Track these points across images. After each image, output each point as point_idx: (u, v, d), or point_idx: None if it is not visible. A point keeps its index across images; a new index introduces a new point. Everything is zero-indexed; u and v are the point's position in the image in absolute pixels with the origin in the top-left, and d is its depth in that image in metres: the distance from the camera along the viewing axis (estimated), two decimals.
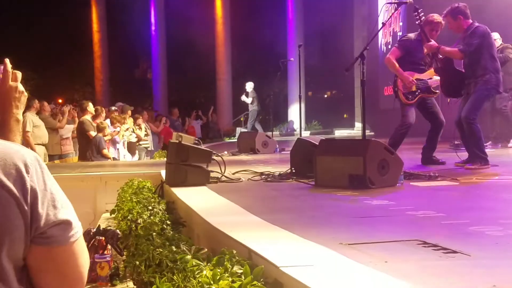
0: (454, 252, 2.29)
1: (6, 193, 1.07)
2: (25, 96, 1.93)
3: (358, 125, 20.63)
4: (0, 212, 1.06)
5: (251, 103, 14.94)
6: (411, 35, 6.63)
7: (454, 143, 8.48)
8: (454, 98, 6.42)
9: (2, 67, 1.86)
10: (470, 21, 6.10)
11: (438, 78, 6.41)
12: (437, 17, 6.43)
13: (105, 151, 9.88)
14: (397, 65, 6.45)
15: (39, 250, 1.10)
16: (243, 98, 15.17)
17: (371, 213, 3.52)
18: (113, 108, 13.18)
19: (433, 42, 6.19)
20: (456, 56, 6.10)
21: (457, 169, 5.95)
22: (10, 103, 1.86)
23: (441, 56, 6.22)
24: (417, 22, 6.26)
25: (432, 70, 6.47)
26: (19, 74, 1.90)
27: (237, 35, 23.15)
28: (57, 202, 1.13)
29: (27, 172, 1.10)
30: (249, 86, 15.23)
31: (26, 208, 1.08)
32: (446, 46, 6.20)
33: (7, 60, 1.89)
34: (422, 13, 6.29)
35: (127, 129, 11.49)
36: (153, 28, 24.60)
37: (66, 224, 1.13)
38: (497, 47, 7.71)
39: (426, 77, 6.50)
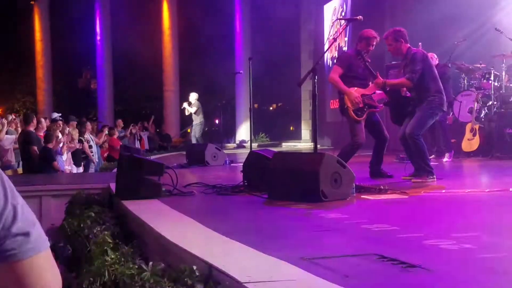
0: (414, 266, 2.32)
1: None
2: None
3: (305, 136, 20.88)
4: None
5: (195, 113, 14.77)
6: (349, 51, 6.75)
7: (400, 156, 8.71)
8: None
9: None
10: (408, 45, 6.30)
11: (381, 91, 6.53)
12: (373, 33, 6.60)
13: (55, 163, 9.63)
14: (341, 83, 6.49)
15: None
16: (185, 106, 14.96)
17: (326, 227, 3.54)
18: (54, 117, 12.86)
19: (379, 78, 6.30)
20: (405, 85, 6.25)
21: (405, 182, 6.09)
22: None
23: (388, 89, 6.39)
24: (366, 62, 6.36)
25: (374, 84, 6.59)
26: None
27: (184, 47, 23.04)
28: (16, 214, 1.07)
29: None
30: (193, 96, 15.05)
31: None
32: (390, 79, 6.38)
33: None
34: (366, 54, 6.46)
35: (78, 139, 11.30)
36: (98, 37, 24.18)
37: (23, 236, 1.06)
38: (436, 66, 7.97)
39: (371, 92, 6.57)
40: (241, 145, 19.74)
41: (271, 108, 30.86)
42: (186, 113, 15.10)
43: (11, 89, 26.44)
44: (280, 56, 22.42)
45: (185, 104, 15.01)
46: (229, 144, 20.38)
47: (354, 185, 4.88)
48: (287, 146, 19.93)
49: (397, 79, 6.34)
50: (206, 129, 17.24)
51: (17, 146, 10.80)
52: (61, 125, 11.71)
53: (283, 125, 25.36)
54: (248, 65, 10.96)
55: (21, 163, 10.55)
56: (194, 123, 14.91)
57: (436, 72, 6.42)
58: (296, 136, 22.29)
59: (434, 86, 6.19)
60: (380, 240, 3.06)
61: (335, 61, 6.80)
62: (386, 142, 6.68)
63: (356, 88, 6.53)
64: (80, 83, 33.89)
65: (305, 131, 21.20)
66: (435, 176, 6.07)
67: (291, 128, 25.64)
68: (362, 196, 4.91)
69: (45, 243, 1.10)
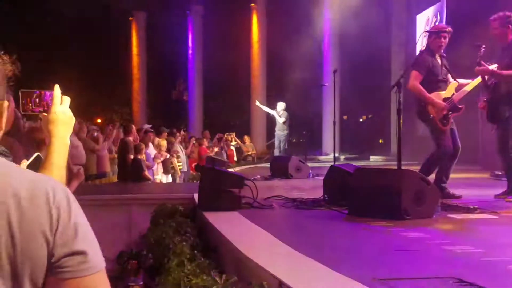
0: None
1: (32, 222, 1.07)
2: (73, 120, 1.97)
3: (395, 151, 20.36)
4: (26, 241, 1.06)
5: (283, 123, 14.79)
6: (424, 54, 6.13)
7: (494, 173, 8.28)
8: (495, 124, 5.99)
9: (51, 92, 1.91)
10: None
11: (460, 91, 6.15)
12: (442, 25, 6.29)
13: (145, 174, 10.01)
14: (424, 91, 6.00)
15: (53, 281, 1.08)
16: (270, 111, 15.06)
17: (406, 246, 3.43)
18: (145, 128, 13.38)
19: (485, 66, 5.81)
20: None
21: (497, 201, 5.78)
22: (58, 128, 1.90)
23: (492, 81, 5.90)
24: (479, 57, 5.96)
25: (452, 83, 6.13)
26: (67, 99, 1.95)
27: (273, 59, 23.28)
28: (78, 233, 1.11)
29: (54, 202, 1.10)
30: (281, 106, 15.01)
31: (50, 238, 1.08)
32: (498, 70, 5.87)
33: (57, 86, 1.93)
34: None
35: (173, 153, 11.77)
36: (190, 51, 25.02)
37: (81, 255, 1.09)
38: None
39: (450, 94, 6.10)
40: (325, 157, 19.61)
41: (361, 120, 30.46)
42: (261, 107, 15.18)
43: (109, 102, 27.86)
44: (370, 67, 22.09)
45: (268, 110, 15.23)
46: (315, 157, 20.29)
47: (439, 203, 4.70)
48: (375, 160, 19.54)
49: (507, 71, 5.71)
50: (294, 140, 17.15)
51: (112, 155, 11.35)
52: (152, 137, 12.15)
53: (371, 138, 24.93)
54: (334, 78, 10.91)
55: (116, 171, 11.05)
56: (279, 133, 14.88)
57: None
58: (385, 150, 21.79)
59: None
60: (461, 262, 2.92)
61: (414, 68, 6.10)
62: (458, 152, 6.10)
63: (435, 92, 6.05)
64: (174, 95, 35.12)
65: (395, 145, 20.72)
66: None
67: (380, 141, 25.13)
68: (448, 215, 4.71)
69: (101, 263, 1.13)
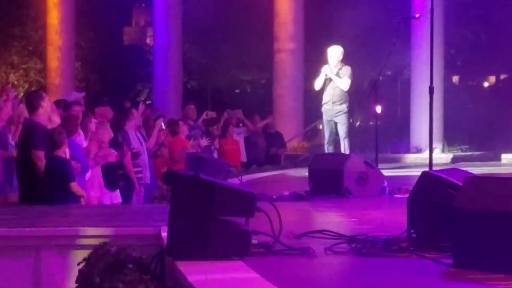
0: None
1: None
2: None
3: None
4: None
5: (344, 90, 14.15)
6: None
7: None
8: None
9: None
10: None
11: None
12: None
13: (73, 185, 10.06)
14: None
15: None
16: (327, 71, 14.24)
17: None
18: (74, 99, 13.46)
19: None
20: None
21: None
22: None
23: None
24: None
25: None
26: None
27: None
28: None
29: None
30: (336, 54, 14.31)
31: None
32: None
33: None
34: None
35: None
36: None
37: None
38: None
39: None
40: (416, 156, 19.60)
41: (485, 85, 30.39)
42: (317, 87, 14.44)
43: (5, 48, 28.09)
44: None
45: (326, 69, 14.21)
46: (397, 155, 20.26)
47: None
48: (510, 161, 19.46)
49: None
50: (358, 123, 16.79)
51: (9, 151, 11.38)
52: (83, 115, 12.17)
53: (505, 120, 24.79)
54: (432, 4, 10.86)
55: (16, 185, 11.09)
56: (334, 109, 14.17)
57: None
58: None
59: None
60: None
61: None
62: None
63: None
64: (127, 36, 35.38)
65: None
66: None
67: None
68: None
69: None
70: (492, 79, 31.12)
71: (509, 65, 26.40)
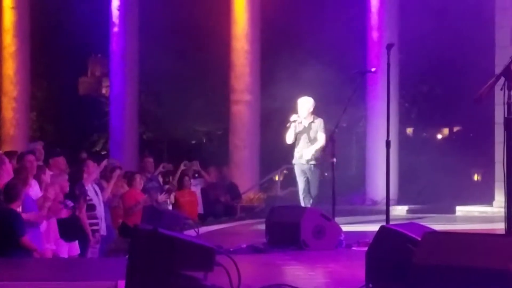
0: None
1: None
2: None
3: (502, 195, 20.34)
4: None
5: (317, 139, 13.40)
6: None
7: None
8: None
9: None
10: None
11: None
12: None
13: (24, 240, 9.95)
14: None
15: None
16: (296, 118, 13.40)
17: None
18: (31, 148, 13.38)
19: None
20: None
21: None
22: None
23: None
24: None
25: None
26: None
27: (272, 27, 23.51)
28: None
29: None
30: (306, 105, 13.62)
31: None
32: None
33: None
34: None
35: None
36: (116, 3, 25.17)
37: None
38: None
39: None
40: (370, 209, 19.61)
41: (438, 137, 30.68)
42: (289, 140, 13.55)
43: None
44: (453, 52, 22.46)
45: (294, 118, 13.44)
46: (352, 207, 20.23)
47: None
48: (465, 213, 19.54)
49: None
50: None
51: None
52: (38, 167, 12.10)
53: (460, 170, 25.01)
54: (389, 59, 10.93)
55: None
56: (306, 161, 13.48)
57: None
58: (486, 192, 21.79)
59: None
60: None
61: None
62: None
63: None
64: (83, 86, 35.24)
65: (502, 185, 20.71)
66: None
67: (475, 176, 25.26)
68: None
69: None
70: (446, 131, 31.43)
71: (463, 117, 26.69)
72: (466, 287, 4.69)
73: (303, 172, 13.52)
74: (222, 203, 18.94)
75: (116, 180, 14.19)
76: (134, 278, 5.38)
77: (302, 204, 13.23)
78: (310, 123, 13.44)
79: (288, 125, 13.49)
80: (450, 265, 4.84)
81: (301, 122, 13.43)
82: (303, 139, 13.44)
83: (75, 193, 12.16)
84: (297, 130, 13.44)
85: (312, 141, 13.45)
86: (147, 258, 5.32)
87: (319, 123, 13.50)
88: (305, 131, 13.45)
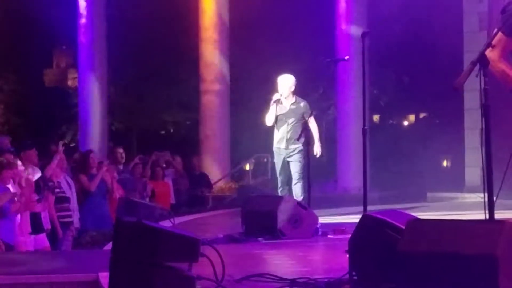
0: None
1: None
2: None
3: (473, 180, 20.42)
4: None
5: (300, 122, 12.47)
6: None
7: None
8: None
9: None
10: None
11: None
12: None
13: None
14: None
15: None
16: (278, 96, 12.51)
17: None
18: None
19: None
20: None
21: None
22: None
23: None
24: None
25: None
26: None
27: (240, 14, 23.48)
28: None
29: None
30: (287, 83, 12.72)
31: None
32: None
33: None
34: None
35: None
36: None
37: None
38: None
39: None
40: (343, 196, 19.66)
41: (405, 124, 30.83)
42: (269, 123, 12.46)
43: None
44: (424, 27, 22.47)
45: (277, 97, 12.59)
46: (326, 195, 20.26)
47: None
48: (437, 199, 19.63)
49: None
50: None
51: None
52: (11, 160, 12.03)
53: (429, 157, 25.17)
54: (361, 47, 10.94)
55: None
56: (291, 147, 12.60)
57: None
58: (456, 178, 21.93)
59: None
60: None
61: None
62: None
63: None
64: (48, 78, 34.99)
65: (472, 170, 20.82)
66: None
67: (444, 163, 25.36)
68: None
69: None
70: (412, 117, 31.61)
71: (428, 104, 26.83)
72: (451, 273, 4.70)
73: (284, 161, 12.55)
74: (193, 193, 18.92)
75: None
76: (117, 270, 5.37)
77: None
78: (291, 105, 12.51)
79: (271, 103, 12.51)
80: (435, 252, 4.85)
81: (282, 103, 12.47)
82: (284, 122, 12.50)
83: (39, 185, 12.03)
84: (278, 113, 12.47)
85: (293, 125, 12.43)
86: (131, 249, 5.30)
87: (304, 107, 12.60)
88: (287, 114, 12.49)
